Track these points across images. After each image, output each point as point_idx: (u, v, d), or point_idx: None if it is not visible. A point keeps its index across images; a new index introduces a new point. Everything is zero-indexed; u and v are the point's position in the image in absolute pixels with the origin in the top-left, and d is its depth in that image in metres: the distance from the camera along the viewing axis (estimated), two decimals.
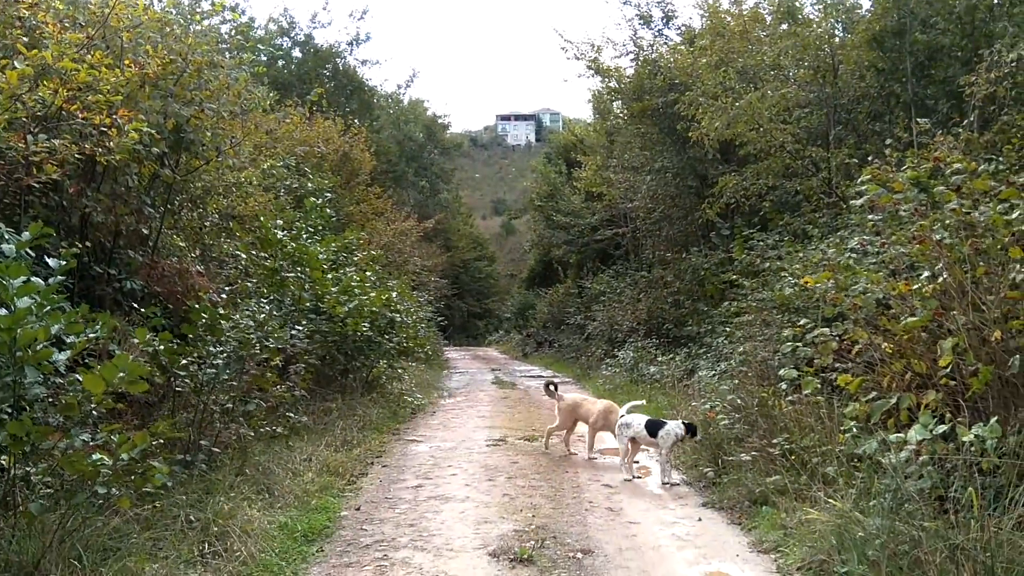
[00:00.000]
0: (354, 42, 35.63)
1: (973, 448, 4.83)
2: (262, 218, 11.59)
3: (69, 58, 6.86)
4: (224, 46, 11.94)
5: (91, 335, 4.73)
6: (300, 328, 10.06)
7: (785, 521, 6.24)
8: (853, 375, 6.36)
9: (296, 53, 34.72)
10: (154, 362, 6.50)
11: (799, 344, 7.70)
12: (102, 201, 7.60)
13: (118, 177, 7.80)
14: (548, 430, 10.64)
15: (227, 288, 9.63)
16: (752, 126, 14.25)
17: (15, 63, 6.35)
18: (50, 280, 4.61)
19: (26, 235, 4.77)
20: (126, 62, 7.83)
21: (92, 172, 7.65)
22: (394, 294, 15.42)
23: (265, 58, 30.52)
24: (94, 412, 5.02)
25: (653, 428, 8.41)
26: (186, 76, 8.43)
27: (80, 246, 6.96)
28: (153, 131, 7.45)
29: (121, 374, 4.52)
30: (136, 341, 6.99)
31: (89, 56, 7.25)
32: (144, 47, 8.33)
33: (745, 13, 18.63)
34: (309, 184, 16.87)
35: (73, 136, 6.84)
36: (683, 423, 8.48)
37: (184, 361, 6.84)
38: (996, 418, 4.95)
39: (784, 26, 15.11)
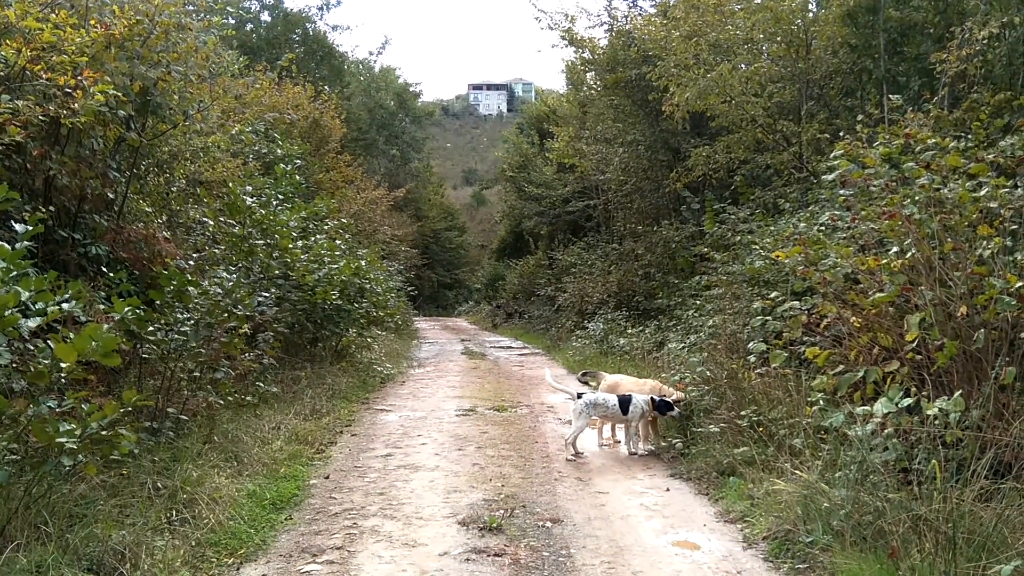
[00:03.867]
0: (324, 6, 35.33)
1: (937, 421, 4.92)
2: (230, 184, 11.44)
3: (33, 17, 6.70)
4: (191, 8, 11.70)
5: (63, 304, 4.64)
6: (269, 295, 9.97)
7: (752, 491, 6.33)
8: (821, 348, 6.45)
9: (265, 17, 34.31)
10: (122, 329, 6.41)
11: (768, 317, 7.78)
12: (67, 164, 7.43)
13: (83, 140, 7.64)
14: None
15: (195, 255, 9.51)
16: (723, 98, 14.26)
17: None
18: (16, 245, 4.52)
19: None
20: (91, 22, 7.66)
21: (56, 134, 7.47)
22: (363, 263, 15.33)
23: (233, 21, 30.10)
24: (62, 380, 4.95)
25: (625, 404, 8.42)
26: (153, 38, 8.25)
27: (44, 210, 6.82)
28: (119, 93, 7.28)
29: (93, 344, 4.45)
30: (102, 307, 6.93)
31: (53, 15, 7.09)
32: (110, 7, 8.16)
33: None
34: (278, 150, 16.65)
35: (37, 97, 6.69)
36: (651, 397, 8.51)
37: (152, 328, 6.74)
38: (960, 392, 5.04)
39: (758, 0, 15.06)
